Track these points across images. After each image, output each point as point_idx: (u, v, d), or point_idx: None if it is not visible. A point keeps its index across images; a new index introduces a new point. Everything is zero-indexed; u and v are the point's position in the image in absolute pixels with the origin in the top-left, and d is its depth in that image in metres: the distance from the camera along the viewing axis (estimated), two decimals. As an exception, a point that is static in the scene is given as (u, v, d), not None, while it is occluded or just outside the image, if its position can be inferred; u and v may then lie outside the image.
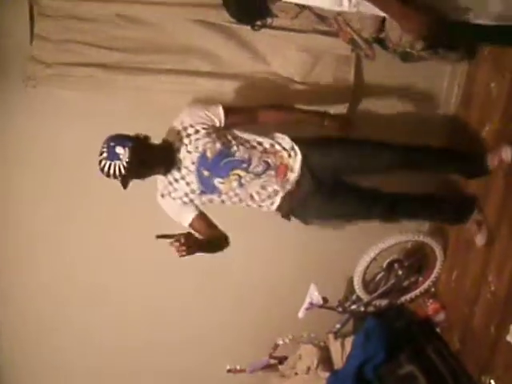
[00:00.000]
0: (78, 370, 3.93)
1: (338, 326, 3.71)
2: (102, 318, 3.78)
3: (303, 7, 3.06)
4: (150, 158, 2.66)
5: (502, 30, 2.78)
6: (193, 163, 2.73)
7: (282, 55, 3.33)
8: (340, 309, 3.67)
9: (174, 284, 3.68)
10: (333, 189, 2.92)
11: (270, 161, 2.78)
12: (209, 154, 2.71)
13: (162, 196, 2.84)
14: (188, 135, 2.73)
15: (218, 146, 2.72)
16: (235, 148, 2.76)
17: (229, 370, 3.75)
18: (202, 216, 2.88)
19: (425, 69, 3.33)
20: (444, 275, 3.63)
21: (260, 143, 2.83)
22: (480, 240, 3.17)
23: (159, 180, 2.84)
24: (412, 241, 3.58)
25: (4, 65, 3.18)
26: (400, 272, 3.64)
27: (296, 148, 2.84)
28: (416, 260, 3.69)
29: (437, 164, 3.14)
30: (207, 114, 2.78)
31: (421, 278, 3.72)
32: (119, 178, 2.53)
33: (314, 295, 3.38)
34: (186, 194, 2.80)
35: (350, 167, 2.93)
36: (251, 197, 2.84)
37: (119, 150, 2.50)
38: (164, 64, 3.23)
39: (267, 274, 3.72)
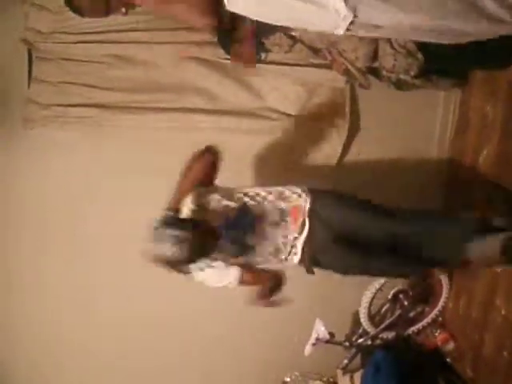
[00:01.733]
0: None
1: (345, 361, 3.64)
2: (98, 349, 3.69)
3: (296, 40, 3.12)
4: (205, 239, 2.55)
5: (488, 53, 2.87)
6: (222, 229, 2.64)
7: (277, 90, 3.37)
8: (347, 343, 3.61)
9: (177, 321, 3.62)
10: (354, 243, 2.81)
11: (282, 206, 2.75)
12: (230, 216, 2.66)
13: (201, 270, 2.69)
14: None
15: (234, 206, 2.68)
16: (249, 203, 2.72)
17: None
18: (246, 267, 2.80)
19: (419, 97, 3.34)
20: (451, 303, 3.58)
21: (269, 192, 2.78)
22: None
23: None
24: (416, 270, 3.54)
25: (3, 108, 3.22)
26: (406, 303, 3.59)
27: (307, 191, 2.81)
28: (421, 290, 3.64)
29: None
30: None
31: (427, 308, 3.66)
32: (182, 263, 2.48)
33: (320, 330, 3.34)
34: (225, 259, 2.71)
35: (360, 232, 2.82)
36: (277, 250, 2.77)
37: (179, 232, 2.39)
38: (161, 102, 3.26)
39: (273, 312, 3.66)
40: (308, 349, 3.38)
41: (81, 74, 3.21)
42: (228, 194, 2.73)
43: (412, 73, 2.98)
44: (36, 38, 3.15)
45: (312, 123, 3.42)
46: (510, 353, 2.99)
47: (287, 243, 2.76)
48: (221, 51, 3.12)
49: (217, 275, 2.73)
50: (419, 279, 3.45)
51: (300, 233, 2.75)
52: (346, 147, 3.46)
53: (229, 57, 3.13)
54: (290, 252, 2.79)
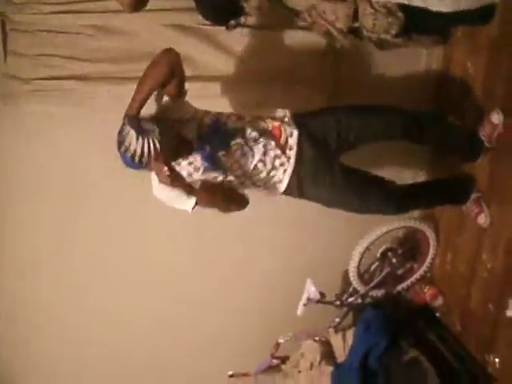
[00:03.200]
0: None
1: (337, 319, 3.69)
2: (106, 328, 3.76)
3: (276, 2, 3.10)
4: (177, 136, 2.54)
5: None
6: (195, 144, 2.60)
7: (259, 53, 3.33)
8: (338, 302, 3.66)
9: (172, 291, 3.66)
10: (341, 167, 2.82)
11: (261, 126, 2.71)
12: (205, 133, 2.61)
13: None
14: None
15: (208, 121, 2.64)
16: (224, 119, 2.68)
17: (231, 376, 3.72)
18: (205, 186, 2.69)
19: (401, 55, 3.34)
20: (438, 259, 3.64)
21: (245, 115, 2.78)
22: (484, 220, 3.13)
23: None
24: (403, 228, 3.59)
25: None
26: (394, 260, 3.64)
27: (288, 114, 2.79)
28: (409, 247, 3.69)
29: (443, 133, 3.08)
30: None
31: (415, 265, 3.72)
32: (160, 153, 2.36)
33: (310, 290, 3.38)
34: (190, 175, 2.62)
35: (353, 129, 2.81)
36: (255, 167, 2.68)
37: (147, 125, 2.36)
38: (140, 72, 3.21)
39: (262, 273, 3.71)
40: (300, 309, 3.43)
41: (59, 46, 3.15)
42: (202, 110, 2.70)
43: (393, 32, 2.96)
44: (9, 8, 3.07)
45: (295, 84, 3.39)
46: (495, 305, 3.05)
47: (267, 161, 2.70)
48: (200, 17, 3.10)
49: (176, 195, 2.60)
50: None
51: (283, 152, 2.71)
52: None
53: (207, 22, 3.12)
54: (270, 170, 2.72)
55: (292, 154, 2.72)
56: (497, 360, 3.05)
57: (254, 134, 2.67)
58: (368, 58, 3.35)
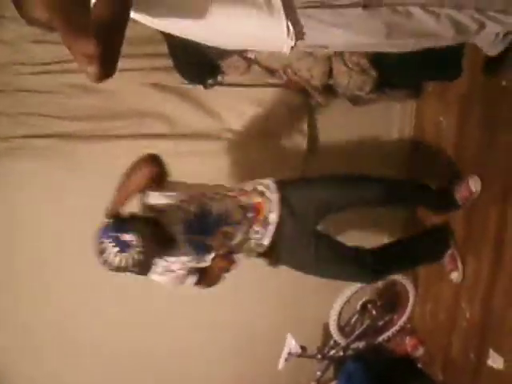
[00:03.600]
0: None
1: (318, 373, 3.67)
2: (100, 328, 3.61)
3: (251, 62, 3.18)
4: (160, 234, 2.50)
5: (436, 66, 2.97)
6: (181, 234, 2.59)
7: (236, 111, 3.39)
8: (319, 356, 3.65)
9: (148, 341, 3.62)
10: (317, 240, 2.83)
11: (244, 204, 2.70)
12: (192, 219, 2.59)
13: (160, 274, 2.65)
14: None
15: (193, 209, 2.61)
16: (210, 205, 2.65)
17: None
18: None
19: (375, 110, 3.43)
20: (418, 310, 3.67)
21: (230, 190, 2.77)
22: (457, 277, 3.21)
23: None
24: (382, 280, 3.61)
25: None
26: (374, 312, 3.64)
27: (272, 186, 2.78)
28: (389, 298, 3.71)
29: (415, 197, 3.15)
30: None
31: (395, 316, 3.74)
32: (141, 267, 2.35)
33: (291, 345, 3.36)
34: (183, 263, 2.66)
35: (333, 202, 2.85)
36: (239, 243, 2.70)
37: (127, 236, 2.27)
38: (122, 129, 3.24)
39: (242, 329, 3.69)
40: (281, 363, 3.40)
41: (39, 105, 3.18)
42: (186, 196, 2.65)
43: (367, 88, 3.07)
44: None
45: (271, 141, 3.45)
46: (475, 354, 3.08)
47: (250, 239, 2.72)
48: (178, 76, 3.17)
49: (175, 280, 2.68)
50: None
51: (263, 227, 2.70)
52: (305, 164, 3.48)
53: (185, 81, 3.18)
54: (251, 246, 2.75)
55: (271, 228, 2.72)
56: (479, 409, 3.06)
57: (238, 217, 2.66)
58: (342, 114, 3.40)
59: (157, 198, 2.55)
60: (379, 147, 3.58)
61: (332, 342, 3.68)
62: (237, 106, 3.37)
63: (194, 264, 2.68)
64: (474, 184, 2.98)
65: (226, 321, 3.65)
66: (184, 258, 2.63)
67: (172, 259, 2.61)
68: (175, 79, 3.22)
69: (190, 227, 2.59)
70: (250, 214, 2.68)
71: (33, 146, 3.18)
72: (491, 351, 2.93)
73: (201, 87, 3.25)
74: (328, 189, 2.83)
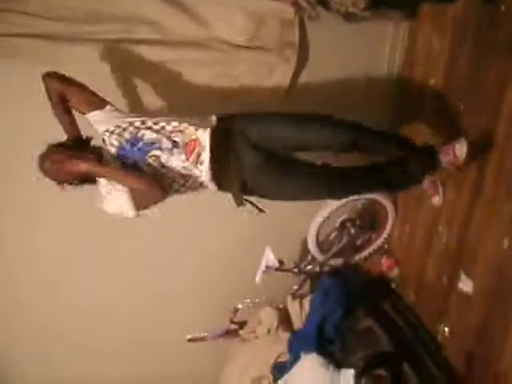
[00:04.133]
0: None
1: (295, 287, 3.77)
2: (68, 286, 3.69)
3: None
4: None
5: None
6: (116, 158, 2.67)
7: (226, 20, 3.29)
8: (296, 270, 3.73)
9: (133, 253, 3.64)
10: (283, 163, 2.79)
11: (177, 139, 2.66)
12: (125, 145, 2.65)
13: (104, 197, 2.71)
14: (103, 139, 2.70)
15: (126, 135, 2.65)
16: (142, 132, 2.66)
17: (189, 339, 3.77)
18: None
19: (368, 28, 3.35)
20: (396, 231, 3.73)
21: (168, 123, 2.71)
22: (437, 201, 3.24)
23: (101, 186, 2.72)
24: (363, 199, 3.64)
25: None
26: (353, 230, 3.71)
27: (210, 125, 2.72)
28: (368, 218, 3.76)
29: (386, 151, 2.98)
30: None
31: (373, 236, 3.80)
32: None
33: (269, 258, 3.42)
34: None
35: (294, 142, 2.79)
36: (181, 175, 2.70)
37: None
38: (108, 34, 3.13)
39: (223, 241, 3.73)
40: (259, 276, 3.47)
41: (23, 2, 3.05)
42: (124, 123, 2.69)
43: (361, 5, 2.98)
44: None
45: (261, 53, 3.38)
46: (448, 278, 3.16)
47: (187, 174, 2.70)
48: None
49: (113, 201, 2.67)
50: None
51: (195, 165, 2.67)
52: (295, 77, 3.43)
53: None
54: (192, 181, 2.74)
55: (204, 168, 2.67)
56: (446, 329, 3.17)
57: (169, 145, 2.65)
58: (334, 30, 3.32)
59: (96, 121, 2.69)
60: (369, 69, 3.52)
61: (309, 258, 3.75)
62: (227, 16, 3.27)
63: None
64: (460, 149, 2.75)
65: (206, 231, 3.69)
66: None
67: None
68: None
69: (125, 152, 2.65)
70: (179, 150, 2.66)
71: (12, 45, 3.07)
72: (463, 275, 3.01)
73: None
74: (282, 126, 2.77)
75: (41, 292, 3.62)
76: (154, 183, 2.60)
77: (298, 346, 3.32)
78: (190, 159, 2.65)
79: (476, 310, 2.93)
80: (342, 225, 3.74)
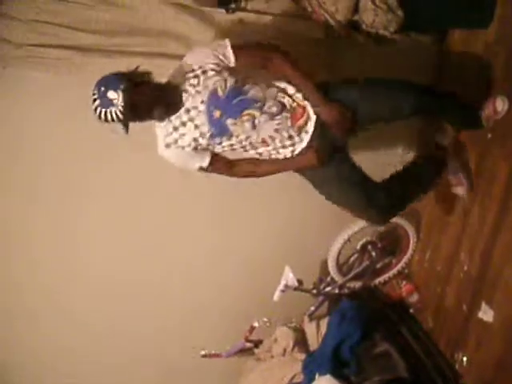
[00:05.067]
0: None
1: (312, 308, 3.74)
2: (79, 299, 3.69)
3: (277, -12, 3.09)
4: (149, 98, 2.44)
5: (467, 13, 2.88)
6: (202, 102, 2.51)
7: (256, 38, 3.31)
8: (314, 291, 3.70)
9: (149, 268, 3.64)
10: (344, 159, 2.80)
11: (285, 101, 2.59)
12: (220, 93, 2.50)
13: (167, 146, 2.58)
14: (196, 76, 2.54)
15: (230, 83, 2.52)
16: (249, 86, 2.56)
17: (204, 355, 3.75)
18: (218, 156, 2.68)
19: (397, 52, 3.31)
20: (417, 256, 3.70)
21: (278, 82, 2.64)
22: (462, 191, 3.19)
23: (160, 129, 2.59)
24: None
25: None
26: (374, 254, 3.68)
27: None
28: (389, 242, 3.74)
29: (442, 110, 2.99)
30: (215, 54, 2.57)
31: (394, 260, 3.77)
32: (120, 123, 2.34)
33: (289, 277, 3.40)
34: (195, 139, 2.56)
35: (375, 108, 2.71)
36: (263, 141, 2.62)
37: (112, 94, 2.30)
38: (138, 47, 3.16)
39: (242, 257, 3.73)
40: (277, 295, 3.45)
41: (57, 14, 3.08)
42: (233, 68, 2.58)
43: (391, 29, 2.98)
44: (6, -29, 3.01)
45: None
46: (468, 306, 3.12)
47: (277, 138, 2.62)
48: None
49: (184, 157, 2.61)
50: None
51: (299, 134, 2.63)
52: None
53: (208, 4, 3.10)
54: (277, 148, 2.67)
55: (306, 137, 2.64)
56: (465, 359, 3.13)
57: (274, 109, 2.56)
58: (363, 52, 3.31)
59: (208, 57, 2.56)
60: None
61: (329, 279, 3.73)
62: (256, 34, 3.28)
63: (205, 143, 2.59)
64: (502, 104, 2.89)
65: (227, 247, 3.69)
66: (195, 133, 2.55)
67: (183, 130, 2.54)
68: (197, 1, 3.14)
69: (216, 99, 2.52)
70: (287, 114, 2.59)
71: (45, 56, 3.12)
72: (483, 304, 2.97)
73: (223, 11, 3.17)
74: (367, 100, 2.69)
75: (50, 306, 3.64)
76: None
77: (313, 367, 3.29)
78: (296, 126, 2.61)
79: (496, 341, 2.89)
80: (363, 248, 3.71)
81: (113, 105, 2.29)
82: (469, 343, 3.11)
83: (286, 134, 2.60)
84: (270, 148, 2.66)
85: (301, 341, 3.63)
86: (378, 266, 3.78)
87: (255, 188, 3.24)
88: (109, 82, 2.37)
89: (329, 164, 2.70)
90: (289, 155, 2.68)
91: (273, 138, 2.61)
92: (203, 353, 3.74)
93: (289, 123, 2.58)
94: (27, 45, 3.09)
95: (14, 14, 3.08)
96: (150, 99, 2.45)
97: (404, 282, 3.73)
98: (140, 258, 3.59)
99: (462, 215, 3.24)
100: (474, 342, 3.07)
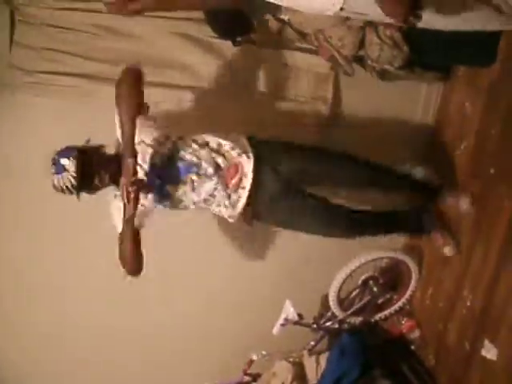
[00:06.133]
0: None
1: (312, 342, 3.69)
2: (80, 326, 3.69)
3: (284, 23, 3.14)
4: (99, 167, 2.56)
5: (472, 50, 2.92)
6: (145, 175, 2.62)
7: (261, 71, 3.37)
8: (315, 325, 3.65)
9: (146, 299, 3.63)
10: (301, 196, 2.88)
11: (220, 161, 2.70)
12: (158, 164, 2.65)
13: (115, 197, 2.68)
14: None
15: (165, 151, 2.66)
16: (182, 152, 2.68)
17: (201, 389, 3.71)
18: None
19: (402, 87, 3.40)
20: (419, 292, 3.66)
21: (207, 143, 2.74)
22: (449, 251, 3.28)
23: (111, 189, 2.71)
24: (387, 258, 3.61)
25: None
26: (375, 289, 3.64)
27: (249, 150, 2.77)
28: (391, 277, 3.70)
29: (399, 190, 3.24)
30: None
31: (395, 296, 3.73)
32: (72, 191, 2.48)
33: (289, 311, 3.36)
34: (142, 204, 2.63)
35: (319, 175, 2.91)
36: (205, 201, 2.76)
37: (64, 161, 2.45)
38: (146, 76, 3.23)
39: (242, 289, 3.71)
40: (276, 329, 3.41)
41: (66, 42, 3.16)
42: (164, 136, 2.69)
43: (396, 64, 3.01)
44: (20, 0, 3.08)
45: (293, 106, 3.43)
46: (471, 344, 3.07)
47: (218, 197, 2.73)
48: (208, 29, 3.14)
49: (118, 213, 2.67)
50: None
51: (235, 191, 2.73)
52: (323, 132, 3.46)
53: (215, 35, 3.15)
54: (218, 205, 2.78)
55: (243, 194, 2.75)
56: (466, 398, 3.08)
57: (210, 170, 2.68)
58: (368, 87, 3.37)
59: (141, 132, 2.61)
60: (399, 127, 3.55)
61: (329, 314, 3.68)
62: (263, 67, 3.34)
63: (148, 204, 2.69)
64: (465, 205, 3.10)
65: (227, 281, 3.67)
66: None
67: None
68: (205, 32, 3.19)
69: (155, 169, 2.64)
70: (222, 173, 2.69)
71: (54, 83, 3.18)
72: (486, 342, 2.92)
73: (229, 43, 3.22)
74: (317, 162, 2.90)
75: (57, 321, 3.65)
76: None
77: (311, 402, 3.25)
78: (231, 184, 2.70)
79: (500, 380, 2.83)
80: (365, 283, 3.67)
81: (65, 170, 2.45)
82: (471, 382, 3.05)
83: (223, 193, 2.72)
84: (213, 206, 2.81)
85: (300, 375, 3.57)
86: (379, 301, 3.73)
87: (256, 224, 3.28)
88: (63, 150, 2.53)
89: (283, 203, 2.83)
90: (230, 210, 2.80)
91: (214, 196, 2.73)
92: (200, 386, 3.70)
93: (224, 182, 2.70)
94: (37, 72, 3.17)
95: (26, 42, 3.16)
96: (103, 168, 2.57)
97: (405, 319, 3.68)
98: (138, 296, 3.57)
99: (465, 251, 3.22)
100: (477, 380, 3.00)
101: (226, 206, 2.78)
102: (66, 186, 2.46)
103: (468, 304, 3.13)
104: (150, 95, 3.06)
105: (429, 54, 3.06)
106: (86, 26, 3.16)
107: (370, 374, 3.25)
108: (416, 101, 3.55)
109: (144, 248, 2.67)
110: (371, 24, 2.92)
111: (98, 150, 2.61)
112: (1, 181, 3.32)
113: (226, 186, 2.70)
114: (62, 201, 2.63)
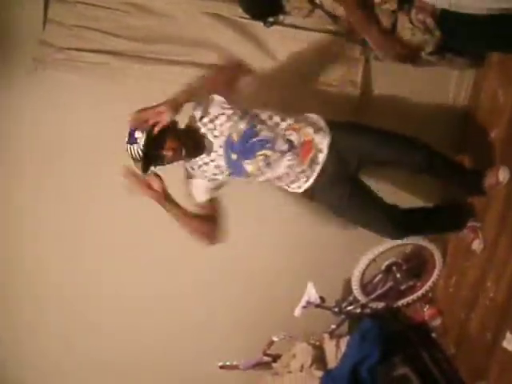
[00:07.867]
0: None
1: (333, 326, 3.71)
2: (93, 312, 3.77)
3: (316, 5, 3.11)
4: (170, 142, 2.59)
5: (507, 36, 2.85)
6: (220, 147, 2.72)
7: (292, 53, 3.34)
8: (336, 309, 3.68)
9: (168, 279, 3.67)
10: (355, 184, 2.89)
11: (293, 138, 2.75)
12: (234, 137, 2.70)
13: (191, 177, 2.84)
14: (211, 120, 2.72)
15: (242, 127, 2.70)
16: (259, 127, 2.72)
17: (221, 367, 3.75)
18: (213, 203, 2.89)
19: (433, 73, 3.34)
20: (442, 281, 3.64)
21: (283, 119, 2.80)
22: (477, 246, 3.24)
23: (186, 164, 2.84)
24: (412, 244, 3.60)
25: (16, 48, 3.18)
26: (398, 275, 3.64)
27: (326, 128, 2.81)
28: (415, 264, 3.69)
29: (450, 174, 3.16)
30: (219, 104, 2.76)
31: (419, 283, 3.72)
32: (140, 162, 2.53)
33: (311, 294, 3.38)
34: (215, 174, 2.80)
35: (376, 157, 2.89)
36: (278, 178, 2.82)
37: (138, 134, 2.50)
38: (176, 55, 3.24)
39: (265, 271, 3.71)
40: (298, 311, 3.43)
41: (97, 20, 3.18)
42: (240, 112, 2.75)
43: (428, 49, 2.97)
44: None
45: (322, 88, 3.40)
46: (492, 335, 3.06)
47: (291, 174, 2.79)
48: (239, 9, 3.12)
49: (200, 187, 2.84)
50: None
51: (309, 166, 2.77)
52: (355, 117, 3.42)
53: (246, 15, 3.13)
54: (292, 182, 2.85)
55: (317, 168, 2.78)
56: (486, 388, 3.07)
57: (284, 147, 2.73)
58: (398, 72, 3.33)
59: (214, 106, 2.74)
60: (430, 112, 3.49)
61: (351, 298, 3.69)
62: (293, 48, 3.31)
63: (222, 178, 2.85)
64: (503, 175, 2.96)
65: (255, 260, 3.68)
66: (215, 171, 2.79)
67: (206, 167, 2.78)
68: (236, 12, 3.18)
69: (231, 143, 2.71)
70: (296, 150, 2.74)
71: (86, 60, 3.20)
72: (508, 334, 2.91)
73: (260, 24, 3.20)
74: (375, 143, 2.85)
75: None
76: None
77: (330, 385, 3.27)
78: (306, 160, 2.75)
79: (519, 371, 2.83)
80: (388, 268, 3.67)
81: (136, 143, 2.51)
82: (491, 372, 3.04)
83: (298, 169, 2.77)
84: (284, 183, 2.88)
85: (319, 358, 3.60)
86: (402, 287, 3.72)
87: (285, 203, 3.41)
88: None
89: (344, 187, 2.84)
90: (301, 185, 2.85)
91: (287, 174, 2.79)
92: (221, 364, 3.74)
93: (299, 159, 2.75)
94: (67, 48, 3.18)
95: (58, 19, 3.18)
96: (175, 143, 2.62)
97: (427, 306, 3.68)
98: (156, 269, 3.64)
99: (490, 243, 3.19)
100: (497, 371, 3.00)
101: (299, 181, 2.83)
102: (135, 157, 2.52)
103: (491, 295, 3.11)
104: (183, 74, 3.14)
105: (461, 40, 3.00)
106: (117, 4, 3.17)
107: (389, 361, 3.27)
108: (447, 87, 3.48)
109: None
110: (403, 8, 2.88)
111: (172, 125, 2.64)
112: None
113: (302, 162, 2.75)
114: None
